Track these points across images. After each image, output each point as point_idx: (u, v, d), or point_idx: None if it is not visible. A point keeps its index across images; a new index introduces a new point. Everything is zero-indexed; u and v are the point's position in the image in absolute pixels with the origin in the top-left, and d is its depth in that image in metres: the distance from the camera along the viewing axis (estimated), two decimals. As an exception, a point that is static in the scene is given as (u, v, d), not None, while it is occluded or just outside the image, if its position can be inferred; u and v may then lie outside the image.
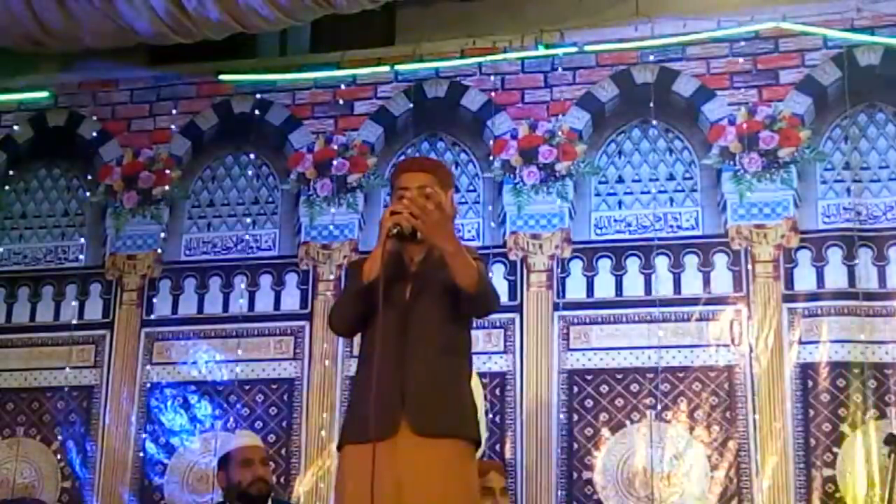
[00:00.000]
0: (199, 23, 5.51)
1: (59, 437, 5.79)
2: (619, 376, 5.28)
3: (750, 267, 5.23)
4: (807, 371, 5.08)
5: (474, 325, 5.34)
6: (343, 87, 5.94)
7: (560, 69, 5.73)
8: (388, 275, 2.98)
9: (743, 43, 5.54)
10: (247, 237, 5.88)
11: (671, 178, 5.52)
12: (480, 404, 4.93)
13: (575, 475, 5.20)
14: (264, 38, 6.32)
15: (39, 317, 6.01)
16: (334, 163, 5.86)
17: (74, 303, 5.97)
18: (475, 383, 4.96)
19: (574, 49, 5.72)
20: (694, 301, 5.27)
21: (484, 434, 4.95)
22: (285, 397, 5.61)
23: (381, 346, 2.99)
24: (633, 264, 5.41)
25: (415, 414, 2.95)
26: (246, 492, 4.45)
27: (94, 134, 6.23)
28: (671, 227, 5.43)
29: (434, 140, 5.83)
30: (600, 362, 5.33)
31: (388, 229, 2.98)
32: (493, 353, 5.39)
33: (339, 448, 3.17)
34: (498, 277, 5.49)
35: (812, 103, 5.41)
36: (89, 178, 6.18)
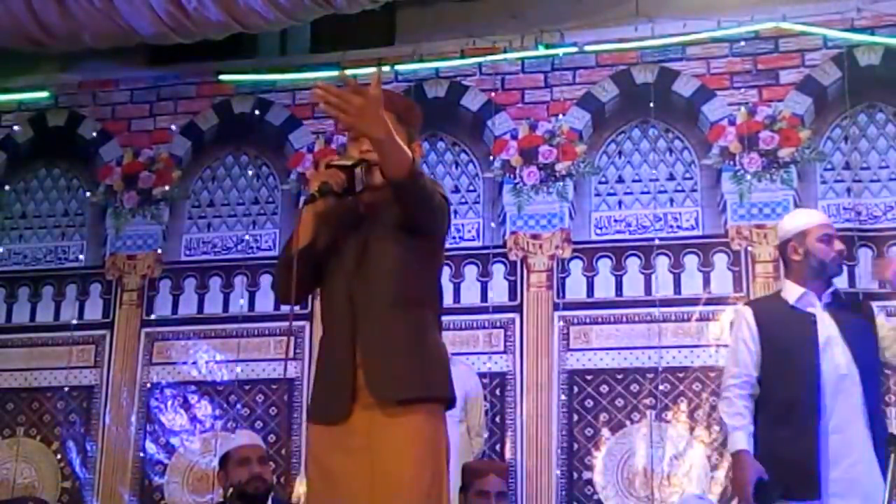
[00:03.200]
0: (199, 23, 5.51)
1: (59, 437, 5.79)
2: (619, 376, 5.28)
3: (750, 267, 5.23)
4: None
5: (473, 325, 5.44)
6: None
7: (560, 69, 5.73)
8: (319, 239, 2.70)
9: (743, 43, 5.55)
10: (247, 237, 5.88)
11: (671, 178, 5.52)
12: (480, 406, 4.97)
13: (575, 475, 5.20)
14: (264, 38, 6.32)
15: (39, 317, 6.02)
16: (334, 163, 5.85)
17: (75, 303, 5.97)
18: (476, 384, 5.00)
19: (574, 49, 5.72)
20: (694, 301, 5.27)
21: (483, 434, 4.99)
22: (285, 397, 5.61)
23: (329, 320, 2.71)
24: (633, 264, 5.41)
25: (371, 380, 2.60)
26: (244, 491, 4.44)
27: (94, 134, 6.23)
28: (671, 227, 5.43)
29: (434, 140, 5.83)
30: (600, 362, 5.33)
31: (314, 189, 2.62)
32: (493, 353, 5.40)
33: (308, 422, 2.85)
34: (498, 277, 5.49)
35: (812, 103, 5.42)
36: (89, 178, 6.18)
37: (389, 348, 2.63)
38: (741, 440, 3.62)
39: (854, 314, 3.72)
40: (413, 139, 2.81)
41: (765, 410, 3.66)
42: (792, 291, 3.72)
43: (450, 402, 2.72)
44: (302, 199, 5.82)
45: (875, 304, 3.95)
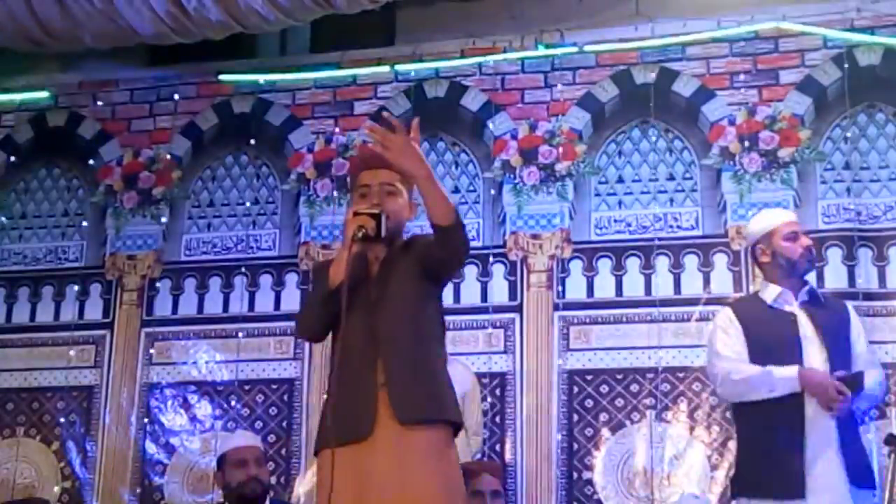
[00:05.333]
0: (199, 23, 5.51)
1: (59, 437, 5.79)
2: (619, 376, 5.28)
3: (749, 267, 5.22)
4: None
5: (473, 325, 5.44)
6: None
7: (560, 69, 5.73)
8: (354, 278, 2.91)
9: (743, 43, 5.55)
10: (247, 237, 5.88)
11: (671, 178, 5.52)
12: (477, 405, 4.96)
13: (575, 475, 5.20)
14: (264, 38, 6.32)
15: (39, 317, 6.02)
16: (334, 163, 5.87)
17: (75, 303, 5.97)
18: (473, 383, 4.99)
19: (574, 49, 5.72)
20: (694, 301, 5.26)
21: (481, 433, 4.98)
22: (285, 397, 5.61)
23: (350, 351, 2.94)
24: (633, 264, 5.41)
25: (396, 403, 2.87)
26: (240, 492, 4.44)
27: (94, 134, 6.23)
28: (671, 227, 5.43)
29: (434, 140, 5.83)
30: (600, 362, 5.33)
31: (353, 232, 2.89)
32: (493, 353, 5.39)
33: (316, 453, 3.07)
34: (498, 277, 5.49)
35: (812, 103, 5.41)
36: (89, 178, 6.18)
37: (411, 376, 2.92)
38: (782, 369, 3.53)
39: (830, 313, 3.72)
40: (412, 195, 3.10)
41: (749, 408, 3.66)
42: (769, 291, 3.72)
43: (459, 428, 3.04)
44: (302, 199, 5.83)
45: (874, 304, 3.96)
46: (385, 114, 2.95)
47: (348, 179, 3.26)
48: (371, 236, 2.91)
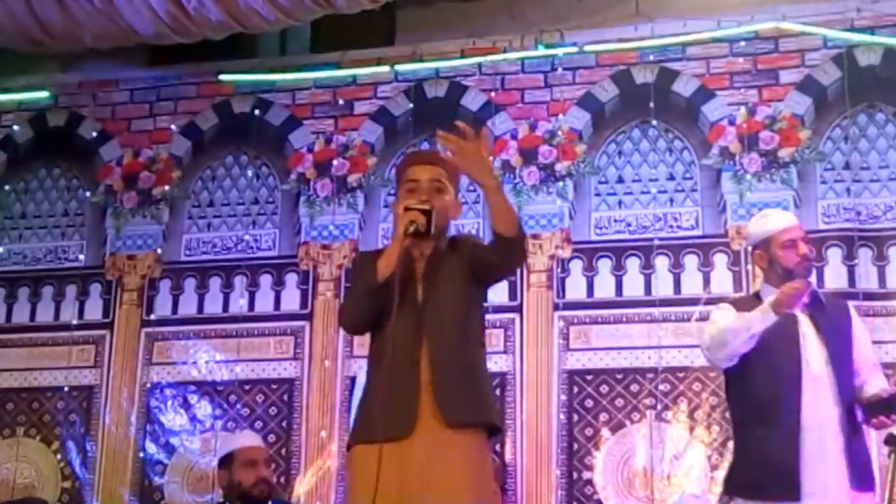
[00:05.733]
0: (199, 23, 5.51)
1: (59, 437, 5.79)
2: (619, 376, 5.28)
3: (750, 267, 5.21)
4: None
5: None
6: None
7: (560, 69, 5.73)
8: (402, 272, 2.91)
9: (743, 43, 5.55)
10: (247, 237, 5.88)
11: (671, 178, 5.52)
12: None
13: (575, 475, 5.20)
14: (264, 38, 6.32)
15: (39, 317, 6.01)
16: (334, 163, 5.87)
17: (75, 303, 5.97)
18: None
19: (574, 49, 5.72)
20: (694, 301, 5.26)
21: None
22: (285, 397, 5.61)
23: (395, 347, 2.91)
24: (633, 264, 5.41)
25: (443, 404, 2.89)
26: (249, 493, 4.44)
27: (94, 134, 6.23)
28: (671, 227, 5.43)
29: (434, 140, 5.83)
30: (600, 362, 5.33)
31: (405, 226, 2.91)
32: (493, 352, 5.38)
33: (350, 448, 3.06)
34: (498, 277, 5.48)
35: (812, 103, 5.42)
36: (89, 178, 6.18)
37: (458, 378, 2.94)
38: (761, 306, 3.53)
39: (831, 313, 3.70)
40: (457, 194, 3.18)
41: (746, 410, 3.65)
42: (769, 292, 3.70)
43: (498, 431, 3.14)
44: (302, 199, 5.83)
45: (874, 304, 3.95)
46: (459, 123, 2.98)
47: (394, 173, 3.25)
48: (421, 232, 2.93)
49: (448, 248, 3.07)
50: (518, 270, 5.24)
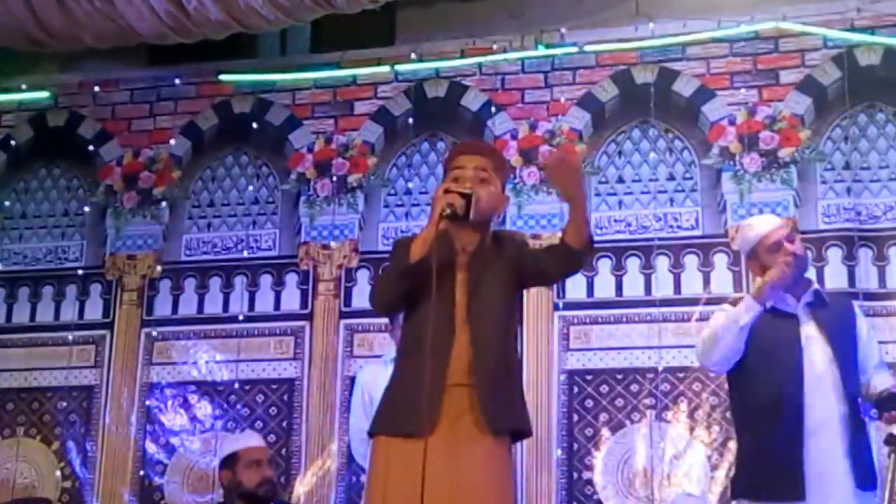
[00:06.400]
0: (199, 23, 5.51)
1: (59, 437, 5.79)
2: (619, 376, 5.28)
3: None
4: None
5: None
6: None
7: (560, 69, 5.73)
8: (439, 259, 2.83)
9: (743, 43, 5.55)
10: (247, 237, 5.88)
11: (671, 178, 5.52)
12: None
13: (575, 475, 5.20)
14: (264, 38, 6.32)
15: (39, 317, 6.01)
16: (334, 163, 5.86)
17: (75, 303, 5.97)
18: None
19: (574, 49, 5.72)
20: (694, 301, 5.26)
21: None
22: (285, 397, 5.61)
23: (433, 337, 2.81)
24: (633, 264, 5.41)
25: (488, 410, 2.83)
26: (253, 493, 4.44)
27: (94, 134, 6.23)
28: (671, 227, 5.43)
29: (434, 140, 5.83)
30: (600, 362, 5.33)
31: (441, 208, 2.84)
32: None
33: (373, 435, 2.97)
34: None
35: (812, 103, 5.42)
36: (89, 178, 6.18)
37: (500, 382, 2.89)
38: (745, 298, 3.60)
39: (834, 313, 3.68)
40: (504, 188, 3.14)
41: (748, 411, 3.65)
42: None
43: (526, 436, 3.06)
44: (302, 199, 5.83)
45: (874, 304, 3.95)
46: (566, 143, 3.07)
47: (443, 163, 3.23)
48: (459, 215, 2.85)
49: (493, 245, 3.02)
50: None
